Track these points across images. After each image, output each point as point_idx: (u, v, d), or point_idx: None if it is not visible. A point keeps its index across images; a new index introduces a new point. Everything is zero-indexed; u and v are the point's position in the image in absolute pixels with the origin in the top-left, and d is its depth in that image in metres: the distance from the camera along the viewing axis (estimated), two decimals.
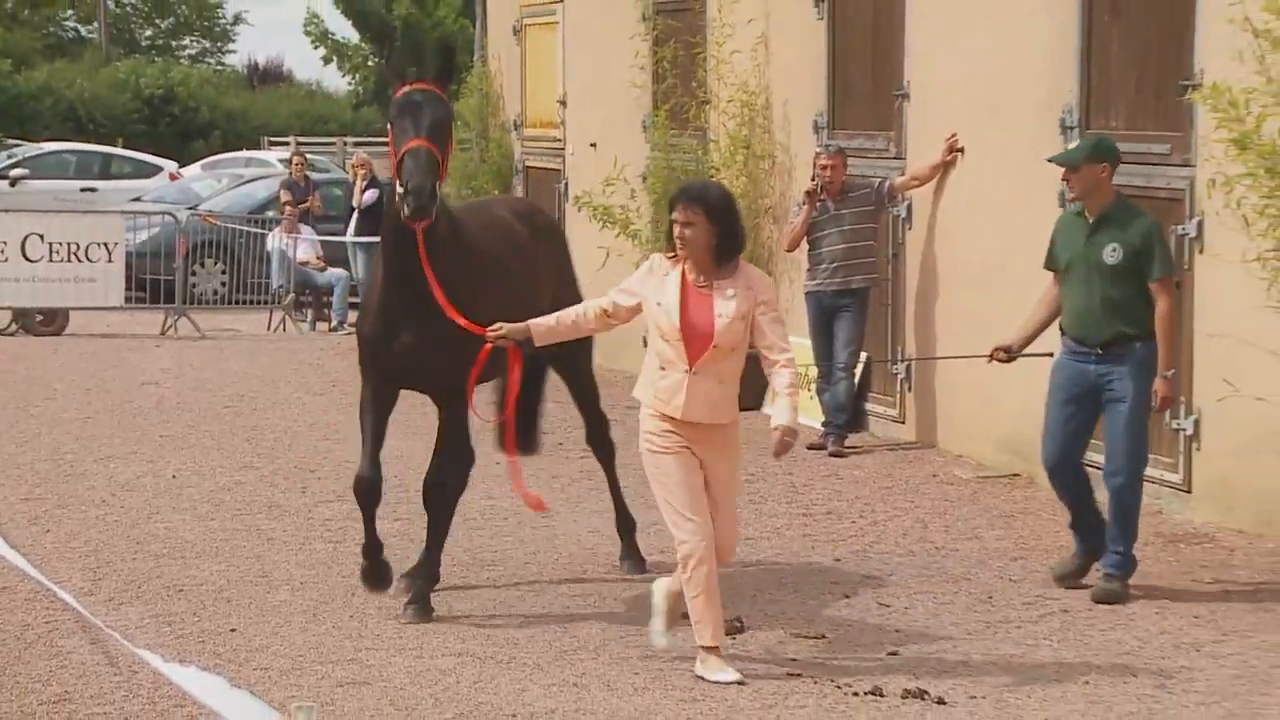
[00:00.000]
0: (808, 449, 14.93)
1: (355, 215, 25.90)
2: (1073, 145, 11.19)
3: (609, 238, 18.67)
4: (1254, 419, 11.94)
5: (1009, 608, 10.74)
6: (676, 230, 9.14)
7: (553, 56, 22.29)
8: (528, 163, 23.19)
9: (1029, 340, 11.20)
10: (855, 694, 9.02)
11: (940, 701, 8.90)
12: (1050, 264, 11.19)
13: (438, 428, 10.57)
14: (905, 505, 13.53)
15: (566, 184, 21.55)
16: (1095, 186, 10.92)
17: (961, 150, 15.37)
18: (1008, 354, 11.24)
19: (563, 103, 21.99)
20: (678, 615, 9.37)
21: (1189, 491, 12.91)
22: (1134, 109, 13.56)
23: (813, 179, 15.85)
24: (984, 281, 14.37)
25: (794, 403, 9.13)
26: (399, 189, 9.72)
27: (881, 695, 9.00)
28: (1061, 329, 11.08)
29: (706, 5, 18.85)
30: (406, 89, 10.01)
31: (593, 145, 20.52)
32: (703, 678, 9.02)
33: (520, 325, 9.63)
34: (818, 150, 16.30)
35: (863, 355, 15.83)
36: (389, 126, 10.10)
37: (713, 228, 9.09)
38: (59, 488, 13.68)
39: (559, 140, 22.09)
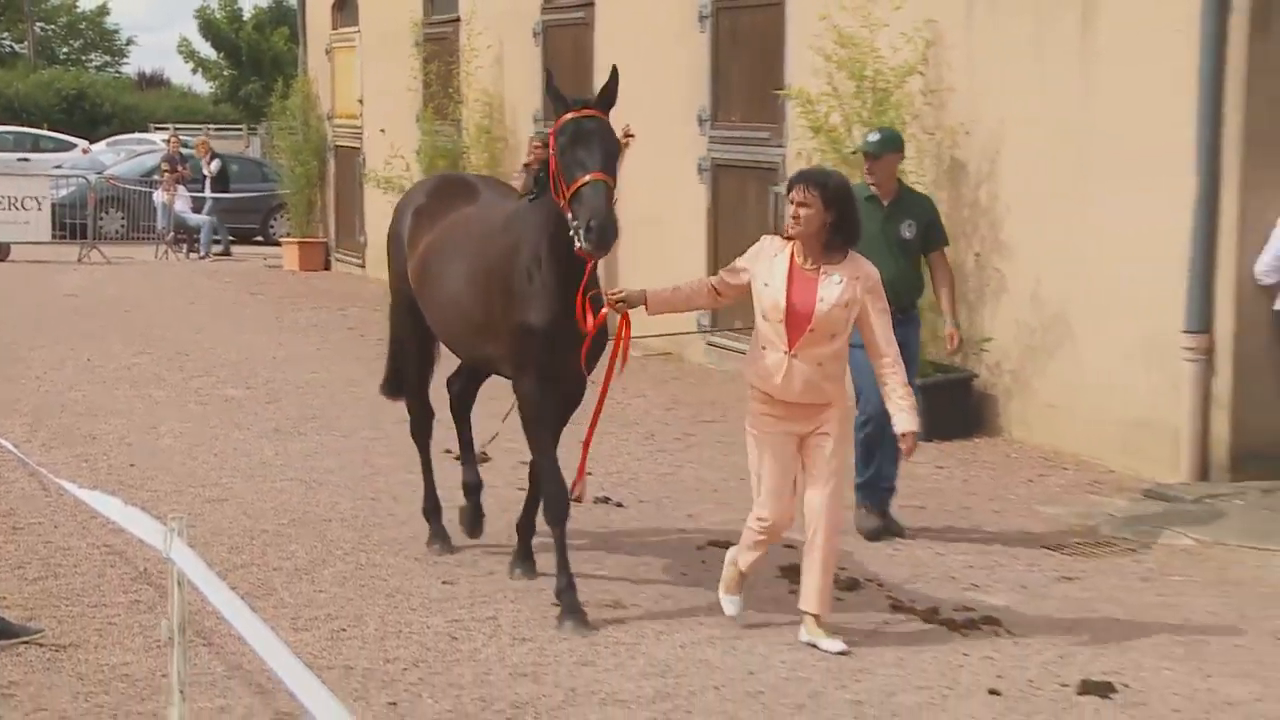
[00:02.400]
0: None
1: (207, 179, 26.08)
2: (873, 138, 8.70)
3: (393, 197, 18.63)
4: None
5: (665, 440, 10.90)
6: (791, 210, 6.61)
7: (353, 68, 22.02)
8: (337, 143, 22.82)
9: None
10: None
11: (619, 505, 9.01)
12: None
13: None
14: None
15: (364, 158, 21.34)
16: (891, 174, 8.61)
17: (633, 136, 15.41)
18: None
19: (361, 101, 21.73)
20: (740, 583, 6.93)
21: None
22: (746, 108, 13.73)
23: (528, 154, 15.82)
24: (650, 226, 14.48)
25: (911, 404, 6.52)
26: (575, 220, 6.48)
27: (580, 501, 9.00)
28: None
29: (459, 34, 18.72)
30: (574, 116, 6.68)
31: (382, 130, 20.31)
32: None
33: (638, 291, 6.88)
34: (531, 136, 16.29)
35: None
36: (554, 151, 6.67)
37: (827, 212, 6.54)
38: (4, 369, 13.18)
39: (359, 127, 21.82)
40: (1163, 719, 5.84)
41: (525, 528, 7.63)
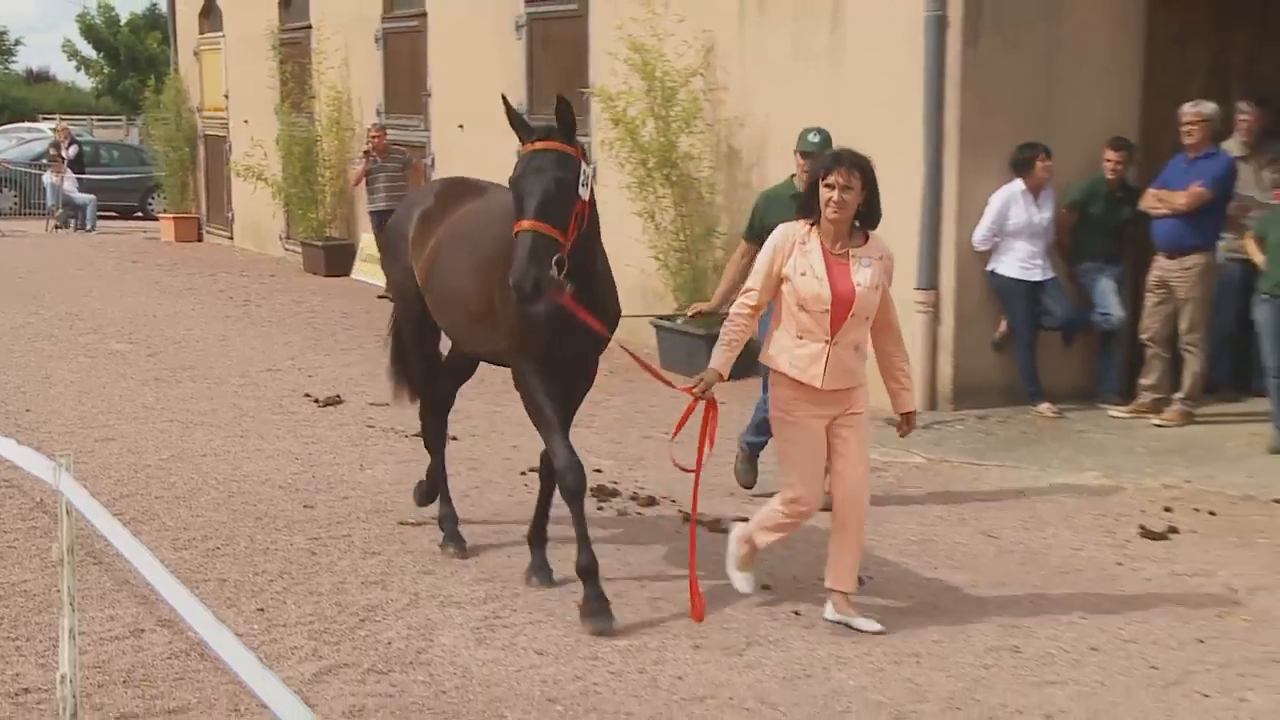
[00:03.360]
0: (377, 298, 14.66)
1: (67, 162, 25.16)
2: (814, 137, 7.38)
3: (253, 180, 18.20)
4: (623, 282, 12.16)
5: (493, 381, 10.62)
6: (835, 194, 5.44)
7: (219, 67, 21.42)
8: (206, 132, 22.15)
9: (725, 299, 7.31)
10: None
11: (453, 438, 8.81)
12: (751, 235, 7.33)
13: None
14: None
15: (230, 146, 20.80)
16: None
17: (462, 126, 15.26)
18: (705, 314, 7.68)
19: (226, 96, 21.15)
20: (750, 560, 6.05)
21: None
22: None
23: (367, 142, 15.53)
24: None
25: (911, 385, 5.91)
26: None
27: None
28: None
29: (311, 39, 18.31)
30: (529, 149, 5.55)
31: (245, 121, 19.84)
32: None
33: (712, 370, 5.64)
34: (369, 126, 16.01)
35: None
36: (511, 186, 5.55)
37: (864, 194, 5.50)
38: None
39: (225, 118, 21.23)
40: (900, 604, 6.04)
41: (538, 537, 6.25)
